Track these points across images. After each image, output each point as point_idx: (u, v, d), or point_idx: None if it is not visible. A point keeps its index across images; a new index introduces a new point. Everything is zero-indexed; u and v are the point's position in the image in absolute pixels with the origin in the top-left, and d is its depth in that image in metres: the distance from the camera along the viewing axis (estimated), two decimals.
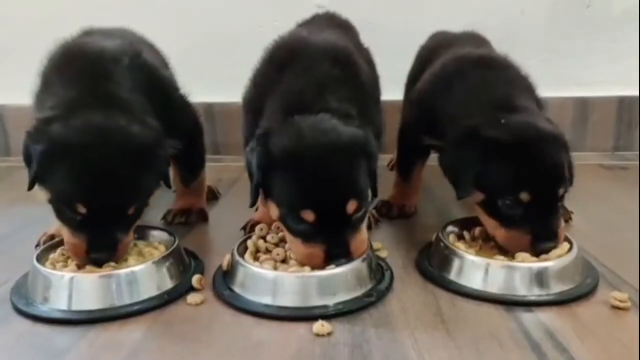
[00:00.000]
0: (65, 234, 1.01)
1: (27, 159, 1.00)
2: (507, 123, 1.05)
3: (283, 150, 0.97)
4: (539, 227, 1.02)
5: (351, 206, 0.94)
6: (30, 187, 1.00)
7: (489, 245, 1.10)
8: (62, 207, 0.98)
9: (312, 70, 1.12)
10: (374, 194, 1.06)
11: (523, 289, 0.97)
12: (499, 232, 1.05)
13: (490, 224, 1.07)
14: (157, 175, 1.07)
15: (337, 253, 0.96)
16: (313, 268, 0.96)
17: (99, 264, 0.99)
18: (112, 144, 0.98)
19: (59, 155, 0.96)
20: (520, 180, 1.01)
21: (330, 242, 0.96)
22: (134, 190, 1.01)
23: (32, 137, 0.99)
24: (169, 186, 1.13)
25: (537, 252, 1.01)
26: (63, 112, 1.00)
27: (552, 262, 0.99)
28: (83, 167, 0.96)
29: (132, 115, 1.04)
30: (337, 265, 0.95)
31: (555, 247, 1.02)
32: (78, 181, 0.96)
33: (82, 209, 0.95)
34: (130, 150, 0.99)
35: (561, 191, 1.03)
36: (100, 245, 0.99)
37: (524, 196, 1.00)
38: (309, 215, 0.94)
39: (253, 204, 1.05)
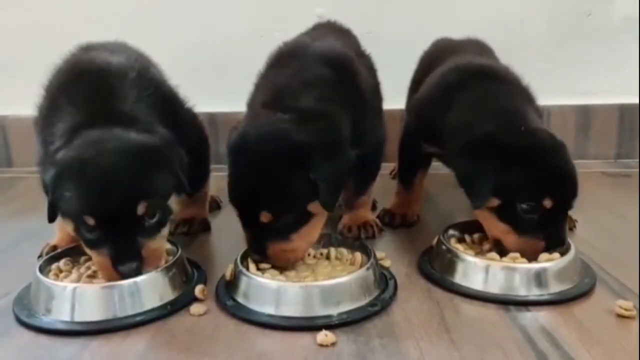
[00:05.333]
0: (93, 256, 0.99)
1: (46, 191, 0.99)
2: (525, 130, 1.06)
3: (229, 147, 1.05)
4: (552, 234, 1.03)
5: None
6: (50, 218, 0.98)
7: (486, 249, 1.12)
8: (80, 229, 0.96)
9: (302, 71, 1.13)
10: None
11: (523, 289, 0.99)
12: (510, 237, 1.05)
13: (500, 229, 1.06)
14: (165, 175, 1.02)
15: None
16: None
17: (127, 277, 0.95)
18: (107, 150, 0.96)
19: (65, 176, 0.95)
20: (545, 186, 1.02)
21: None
22: (135, 188, 0.96)
23: (45, 167, 0.98)
24: (185, 191, 1.08)
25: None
26: (70, 136, 0.99)
27: (550, 262, 1.01)
28: (82, 179, 0.94)
29: (142, 128, 1.03)
30: None
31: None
32: (79, 194, 0.94)
33: (90, 221, 0.93)
34: (126, 152, 0.97)
35: (575, 199, 1.04)
36: (123, 255, 0.95)
37: (547, 202, 1.01)
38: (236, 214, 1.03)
39: None
